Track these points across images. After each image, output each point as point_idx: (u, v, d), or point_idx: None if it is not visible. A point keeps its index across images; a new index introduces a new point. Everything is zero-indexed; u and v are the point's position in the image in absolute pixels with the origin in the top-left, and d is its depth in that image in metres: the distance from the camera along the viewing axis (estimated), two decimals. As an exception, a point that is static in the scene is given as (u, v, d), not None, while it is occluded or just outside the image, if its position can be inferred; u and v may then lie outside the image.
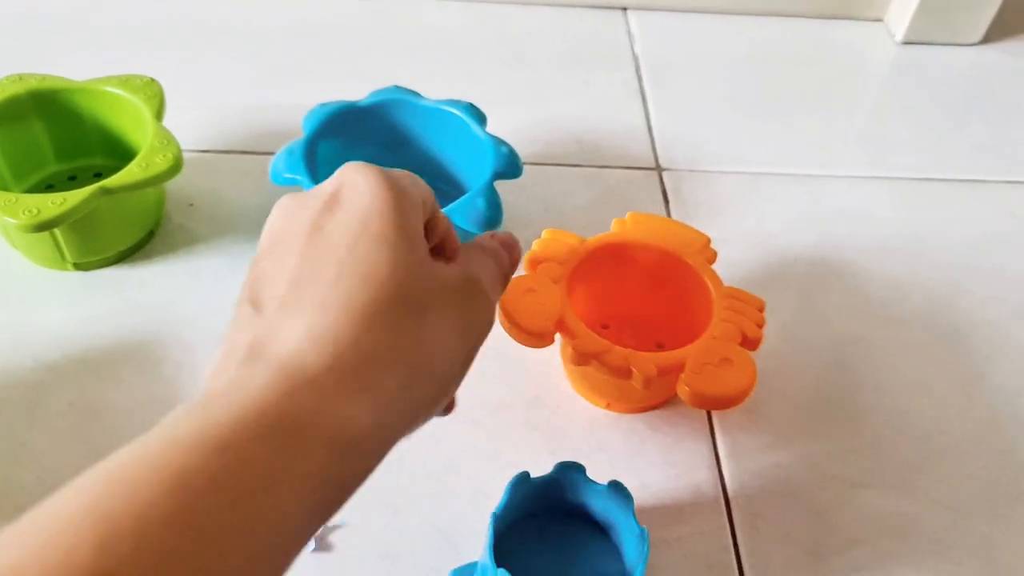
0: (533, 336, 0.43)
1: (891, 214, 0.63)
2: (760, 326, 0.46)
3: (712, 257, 0.49)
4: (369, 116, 0.57)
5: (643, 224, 0.50)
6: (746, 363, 0.43)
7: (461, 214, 0.50)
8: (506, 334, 0.44)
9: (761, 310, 0.47)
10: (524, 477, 0.40)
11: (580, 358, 0.43)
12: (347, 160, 0.51)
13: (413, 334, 0.27)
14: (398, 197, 0.29)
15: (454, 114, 0.57)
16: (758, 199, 0.63)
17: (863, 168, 0.67)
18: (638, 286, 0.50)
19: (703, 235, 0.50)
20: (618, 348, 0.43)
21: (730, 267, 0.57)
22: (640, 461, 0.47)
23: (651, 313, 0.51)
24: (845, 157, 0.68)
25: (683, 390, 0.42)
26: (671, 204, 0.62)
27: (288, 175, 0.52)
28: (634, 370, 0.42)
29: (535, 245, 0.48)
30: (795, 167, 0.66)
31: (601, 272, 0.49)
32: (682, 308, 0.49)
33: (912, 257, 0.60)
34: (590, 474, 0.41)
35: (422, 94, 0.58)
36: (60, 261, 0.52)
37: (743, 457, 0.48)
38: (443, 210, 0.49)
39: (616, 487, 0.41)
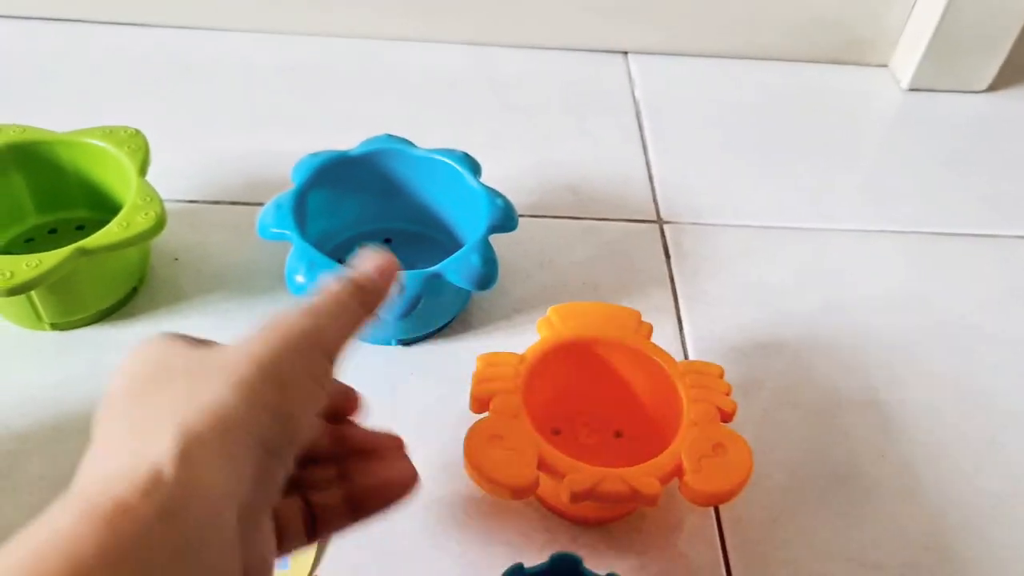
0: (517, 490, 0.39)
1: (896, 269, 0.62)
2: (729, 394, 0.44)
3: (648, 332, 0.47)
4: (361, 165, 0.56)
5: (570, 316, 0.47)
6: (740, 447, 0.42)
7: (455, 271, 0.48)
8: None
9: (722, 376, 0.45)
10: (518, 569, 0.38)
11: (576, 497, 0.39)
12: (338, 211, 0.56)
13: None
14: None
15: (447, 164, 0.55)
16: (761, 253, 0.61)
17: (867, 221, 0.65)
18: (584, 382, 0.48)
19: (634, 312, 0.48)
20: (612, 472, 0.40)
21: (731, 326, 0.56)
22: (639, 542, 0.45)
23: (602, 404, 0.48)
24: (849, 209, 0.66)
25: (687, 492, 0.40)
26: (672, 259, 0.60)
27: (276, 230, 0.50)
28: (639, 490, 0.40)
29: (475, 380, 0.44)
30: (798, 220, 0.64)
31: (544, 380, 0.45)
32: (633, 392, 0.47)
33: (919, 315, 0.58)
34: (588, 561, 0.39)
35: (415, 142, 0.57)
36: (36, 321, 0.50)
37: (747, 536, 0.45)
38: (437, 267, 0.48)
39: None
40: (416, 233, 0.58)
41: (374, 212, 0.58)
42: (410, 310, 0.48)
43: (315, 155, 0.55)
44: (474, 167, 0.55)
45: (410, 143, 0.57)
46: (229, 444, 0.25)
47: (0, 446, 0.46)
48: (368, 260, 0.33)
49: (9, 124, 0.53)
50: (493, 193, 0.53)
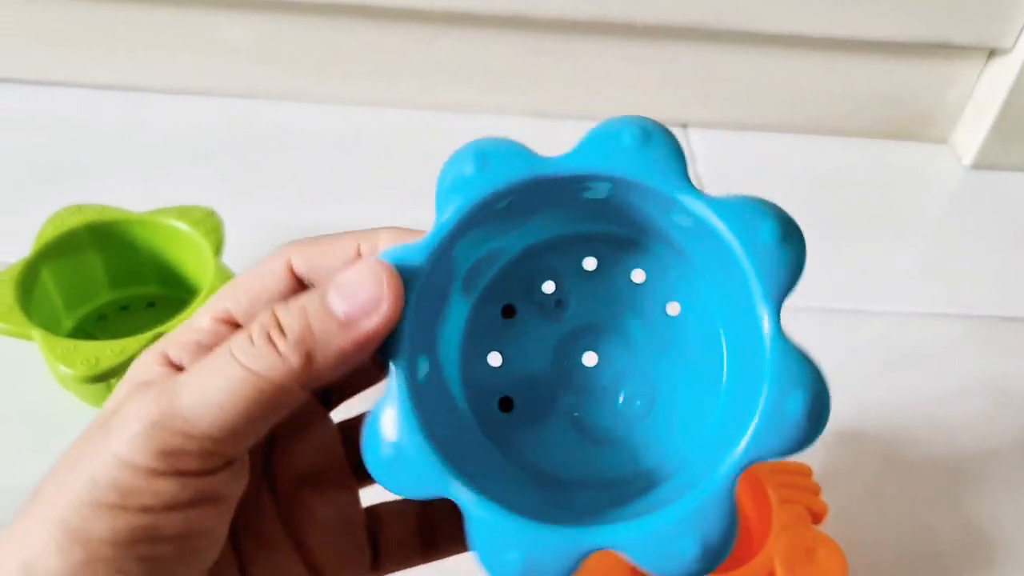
0: None
1: (967, 355, 0.61)
2: (818, 495, 0.43)
3: None
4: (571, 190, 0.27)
5: None
6: (834, 552, 0.41)
7: (645, 554, 0.23)
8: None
9: (810, 476, 0.44)
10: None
11: None
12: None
13: None
14: None
15: (734, 257, 0.25)
16: (832, 337, 0.61)
17: (934, 304, 0.64)
18: None
19: None
20: None
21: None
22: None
23: None
24: (914, 291, 0.65)
25: None
26: (742, 343, 0.59)
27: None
28: None
29: None
30: (866, 301, 0.64)
31: None
32: None
33: (996, 405, 0.57)
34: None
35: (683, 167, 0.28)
36: (111, 403, 0.50)
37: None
38: (608, 538, 0.23)
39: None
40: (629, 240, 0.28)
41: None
42: None
43: (485, 158, 0.26)
44: (787, 280, 0.25)
45: (676, 169, 0.25)
46: None
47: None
48: (340, 275, 0.22)
49: (89, 204, 0.54)
50: (794, 375, 0.24)
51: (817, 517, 0.43)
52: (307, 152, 0.73)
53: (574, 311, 0.28)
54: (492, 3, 0.70)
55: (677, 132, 0.77)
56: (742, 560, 0.41)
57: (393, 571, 0.27)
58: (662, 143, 0.25)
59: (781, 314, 0.24)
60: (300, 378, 0.21)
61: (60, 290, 0.53)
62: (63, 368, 0.45)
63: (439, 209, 0.25)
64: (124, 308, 0.56)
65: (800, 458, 0.45)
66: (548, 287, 0.28)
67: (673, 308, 0.27)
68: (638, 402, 0.27)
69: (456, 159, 0.26)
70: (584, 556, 0.22)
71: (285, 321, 0.22)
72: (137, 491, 0.21)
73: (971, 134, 0.77)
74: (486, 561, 0.22)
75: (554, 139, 0.78)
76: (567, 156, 0.26)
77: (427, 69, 0.76)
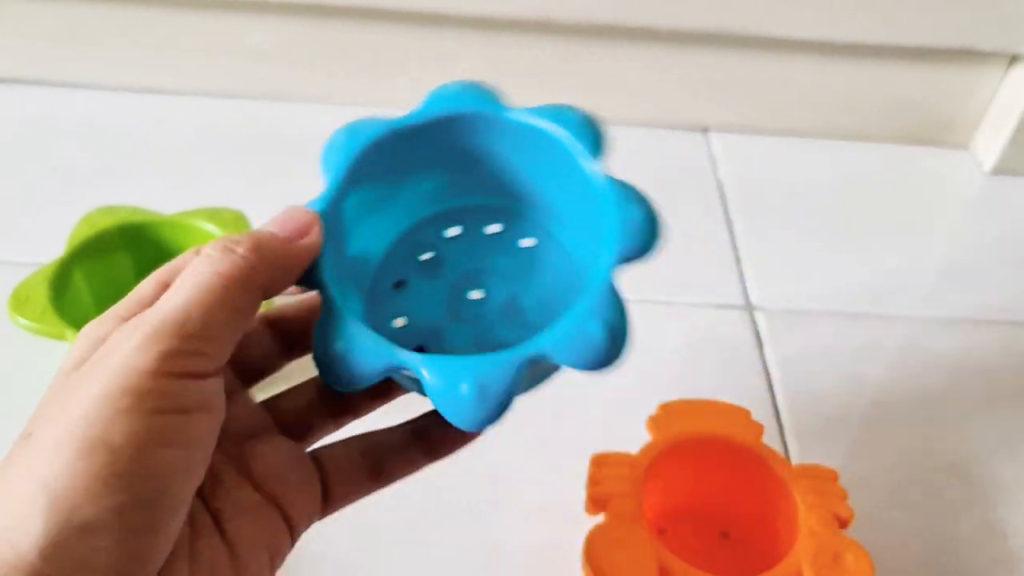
0: None
1: (992, 360, 0.61)
2: (845, 500, 0.43)
3: (759, 432, 0.47)
4: (424, 140, 0.33)
5: (680, 415, 0.47)
6: (861, 557, 0.41)
7: (566, 349, 0.27)
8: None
9: (836, 481, 0.44)
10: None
11: None
12: (378, 221, 0.34)
13: None
14: None
15: (553, 138, 0.32)
16: (854, 341, 0.61)
17: (957, 309, 0.64)
18: (689, 480, 0.47)
19: (743, 410, 0.47)
20: None
21: (831, 419, 0.55)
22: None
23: (707, 503, 0.48)
24: (937, 296, 0.65)
25: None
26: (765, 348, 0.59)
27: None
28: None
29: (590, 481, 0.43)
30: (887, 306, 0.64)
31: (654, 480, 0.45)
32: (740, 492, 0.47)
33: (1018, 410, 0.57)
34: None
35: (503, 102, 0.34)
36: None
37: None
38: (538, 347, 0.27)
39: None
40: (505, 209, 0.35)
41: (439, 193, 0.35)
42: (495, 416, 0.27)
43: (353, 130, 0.33)
44: (595, 141, 0.32)
45: (497, 102, 0.34)
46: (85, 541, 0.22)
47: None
48: (272, 218, 0.29)
49: (120, 205, 0.54)
50: (625, 193, 0.30)
51: (844, 523, 0.43)
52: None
53: (452, 266, 0.34)
54: (515, 7, 0.70)
55: (697, 136, 0.78)
56: (769, 564, 0.41)
57: (346, 500, 0.31)
58: (484, 90, 0.34)
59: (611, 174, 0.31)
60: (257, 276, 0.26)
61: (92, 290, 0.53)
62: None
63: (324, 172, 0.32)
64: (152, 309, 0.57)
65: (825, 462, 0.45)
66: (426, 256, 0.35)
67: (528, 242, 0.34)
68: (524, 300, 0.34)
69: (331, 137, 0.33)
70: (522, 367, 0.27)
71: (238, 239, 0.27)
72: (148, 392, 0.23)
73: (992, 140, 0.77)
74: (445, 404, 0.27)
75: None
76: (411, 113, 0.33)
77: (452, 73, 0.76)
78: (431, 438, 0.31)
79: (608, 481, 0.43)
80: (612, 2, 0.70)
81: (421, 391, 0.28)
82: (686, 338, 0.60)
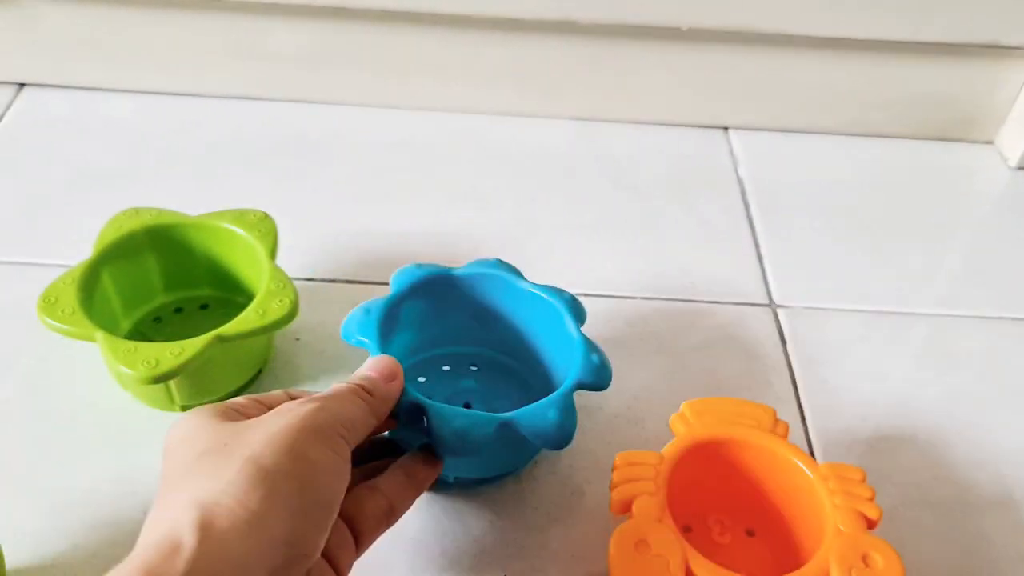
0: None
1: (1019, 357, 0.60)
2: (872, 499, 0.43)
3: (785, 431, 0.47)
4: (463, 286, 0.53)
5: (705, 413, 0.47)
6: (891, 556, 0.41)
7: (528, 423, 0.43)
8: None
9: (864, 480, 0.44)
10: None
11: None
12: (430, 327, 0.53)
13: None
14: None
15: (550, 304, 0.51)
16: (879, 339, 0.60)
17: (983, 306, 0.64)
18: (714, 478, 0.47)
19: (769, 409, 0.47)
20: None
21: (855, 416, 0.55)
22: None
23: (732, 500, 0.48)
24: (963, 293, 0.65)
25: None
26: (788, 346, 0.59)
27: (359, 337, 0.48)
28: None
29: (615, 480, 0.43)
30: (913, 304, 0.64)
31: (680, 478, 0.45)
32: (766, 490, 0.47)
33: (1048, 408, 0.57)
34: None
35: (523, 274, 0.53)
36: (168, 403, 0.51)
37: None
38: (510, 415, 0.43)
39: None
40: (505, 366, 0.55)
41: (467, 335, 0.55)
42: (472, 452, 0.42)
43: (419, 267, 0.52)
44: (577, 313, 0.51)
45: (518, 273, 0.53)
46: (252, 532, 0.31)
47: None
48: (369, 363, 0.41)
49: (146, 208, 0.55)
50: (590, 347, 0.48)
51: (871, 523, 0.42)
52: (358, 156, 0.73)
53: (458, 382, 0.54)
54: (538, 9, 0.70)
55: (717, 135, 0.78)
56: (795, 564, 0.41)
57: (372, 541, 0.40)
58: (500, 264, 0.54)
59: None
60: (377, 410, 0.40)
61: (119, 292, 0.54)
62: (124, 369, 0.45)
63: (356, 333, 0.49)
64: (178, 310, 0.57)
65: (852, 460, 0.45)
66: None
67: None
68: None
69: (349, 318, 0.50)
70: (497, 426, 0.43)
71: (369, 388, 0.40)
72: (329, 436, 0.36)
73: (1017, 135, 0.77)
74: (439, 430, 0.42)
75: (599, 142, 0.79)
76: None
77: (475, 74, 0.76)
78: (417, 476, 0.42)
79: (634, 480, 0.43)
80: (632, 2, 0.70)
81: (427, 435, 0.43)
82: (709, 336, 0.60)
